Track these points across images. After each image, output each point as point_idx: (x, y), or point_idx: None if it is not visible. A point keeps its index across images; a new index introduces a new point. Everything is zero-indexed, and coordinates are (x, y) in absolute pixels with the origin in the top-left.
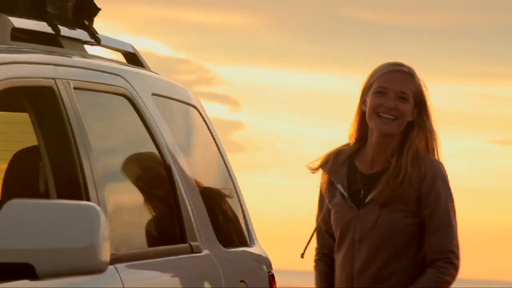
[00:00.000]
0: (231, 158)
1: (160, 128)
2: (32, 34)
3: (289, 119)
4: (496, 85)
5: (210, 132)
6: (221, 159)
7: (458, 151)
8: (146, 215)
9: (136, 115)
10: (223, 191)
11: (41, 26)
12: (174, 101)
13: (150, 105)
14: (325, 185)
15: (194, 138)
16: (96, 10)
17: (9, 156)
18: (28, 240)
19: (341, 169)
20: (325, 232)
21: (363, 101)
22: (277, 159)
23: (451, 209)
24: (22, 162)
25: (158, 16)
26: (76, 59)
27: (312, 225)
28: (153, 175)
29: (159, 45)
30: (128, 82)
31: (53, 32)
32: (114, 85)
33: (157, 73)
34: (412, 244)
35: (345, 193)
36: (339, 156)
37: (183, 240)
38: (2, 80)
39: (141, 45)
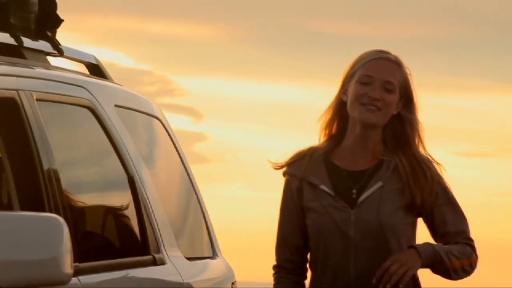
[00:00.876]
0: (194, 169)
1: (123, 139)
2: None
3: (252, 130)
4: (462, 97)
5: (173, 143)
6: (184, 170)
7: None
8: (109, 227)
9: (99, 126)
10: (186, 202)
11: (4, 37)
12: (137, 113)
13: (113, 116)
14: (296, 191)
15: (157, 150)
16: (59, 21)
17: None
18: None
19: (319, 168)
20: (292, 246)
21: (343, 91)
22: (240, 170)
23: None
24: None
25: (121, 27)
26: (39, 71)
27: (272, 237)
28: (116, 187)
29: (121, 56)
30: (91, 94)
31: (16, 44)
32: (77, 97)
33: (120, 85)
34: (401, 244)
35: (332, 193)
36: (313, 155)
37: (146, 252)
38: None
39: (104, 56)
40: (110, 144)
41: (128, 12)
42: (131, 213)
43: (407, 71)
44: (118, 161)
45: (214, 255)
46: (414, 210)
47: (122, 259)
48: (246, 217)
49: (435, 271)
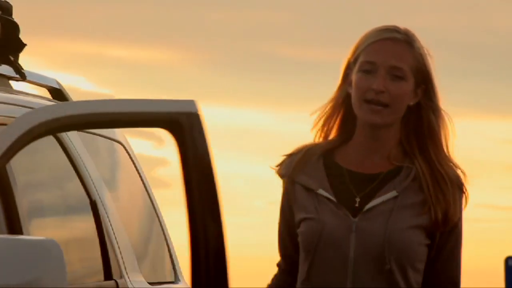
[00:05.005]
0: (155, 194)
1: (85, 163)
2: None
3: (214, 155)
4: None
5: (136, 167)
6: (146, 195)
7: None
8: (71, 252)
9: (61, 150)
10: (148, 227)
11: None
12: (99, 137)
13: (75, 140)
14: (287, 194)
15: (119, 174)
16: (21, 45)
17: None
18: None
19: (316, 169)
20: (290, 244)
21: (349, 82)
22: None
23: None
24: None
25: (81, 51)
26: (1, 95)
27: (238, 261)
28: (78, 211)
29: (82, 80)
30: None
31: None
32: None
33: None
34: (418, 269)
35: (332, 198)
36: (308, 154)
37: (109, 277)
38: None
39: (65, 81)
40: (72, 168)
41: (88, 37)
42: (93, 237)
43: (423, 50)
44: (80, 185)
45: (176, 280)
46: (433, 230)
47: (85, 284)
48: None
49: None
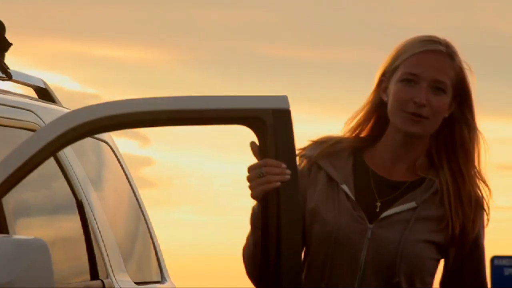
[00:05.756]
0: (141, 194)
1: (71, 163)
2: None
3: (199, 155)
4: None
5: (122, 167)
6: (132, 194)
7: None
8: (57, 251)
9: None
10: (135, 226)
11: None
12: None
13: None
14: (313, 177)
15: (105, 173)
16: (7, 45)
17: None
18: None
19: (344, 163)
20: None
21: (383, 88)
22: (187, 195)
23: (483, 254)
24: None
25: (66, 51)
26: None
27: (224, 261)
28: (64, 210)
29: (67, 79)
30: (39, 117)
31: None
32: (26, 121)
33: (69, 108)
34: (426, 282)
35: (352, 197)
36: (337, 146)
37: (95, 277)
38: None
39: (50, 80)
40: (58, 168)
41: (73, 35)
42: (79, 237)
43: (464, 64)
44: (66, 184)
45: (162, 279)
46: (448, 245)
47: (71, 284)
48: (194, 241)
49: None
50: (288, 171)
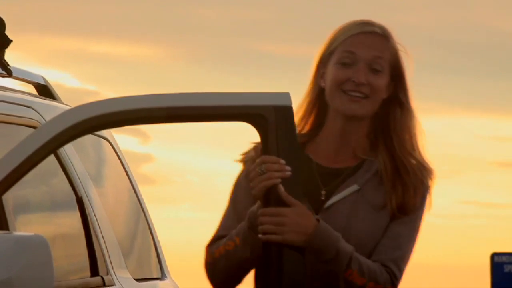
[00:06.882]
0: (141, 190)
1: (71, 160)
2: None
3: (199, 152)
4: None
5: (122, 164)
6: (132, 191)
7: None
8: (57, 248)
9: None
10: (134, 223)
11: None
12: None
13: None
14: (247, 178)
15: (105, 170)
16: (7, 41)
17: None
18: None
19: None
20: None
21: (320, 74)
22: (187, 192)
23: (416, 232)
24: None
25: (65, 48)
26: None
27: None
28: (65, 207)
29: (67, 76)
30: (40, 114)
31: None
32: (26, 117)
33: (69, 105)
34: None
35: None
36: None
37: (95, 273)
38: None
39: (50, 77)
40: (58, 164)
41: (73, 32)
42: (79, 233)
43: (398, 46)
44: (66, 181)
45: (162, 276)
46: (391, 220)
47: (71, 280)
48: (194, 238)
49: (320, 264)
50: (288, 168)
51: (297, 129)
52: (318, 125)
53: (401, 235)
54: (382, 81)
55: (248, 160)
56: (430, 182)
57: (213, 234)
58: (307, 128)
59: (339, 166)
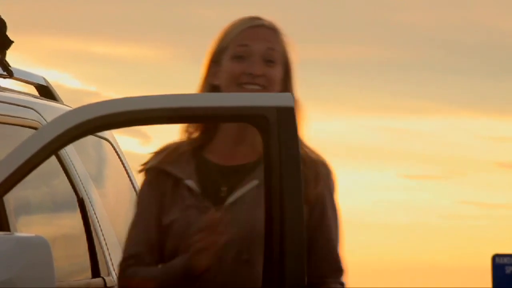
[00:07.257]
0: None
1: (73, 161)
2: None
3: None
4: (410, 119)
5: (123, 165)
6: (134, 192)
7: (367, 185)
8: (58, 249)
9: None
10: None
11: None
12: None
13: None
14: (161, 185)
15: (107, 171)
16: (9, 42)
17: None
18: None
19: (185, 162)
20: (146, 242)
21: (212, 73)
22: None
23: (335, 222)
24: None
25: (66, 48)
26: None
27: None
28: (66, 208)
29: (68, 77)
30: (41, 115)
31: None
32: (26, 118)
33: (70, 106)
34: None
35: (197, 189)
36: (178, 150)
37: (96, 274)
38: None
39: (51, 77)
40: (59, 165)
41: (74, 33)
42: (80, 234)
43: (286, 39)
44: (67, 182)
45: None
46: None
47: (72, 282)
48: None
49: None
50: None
51: (189, 135)
52: (211, 127)
53: (329, 240)
54: (277, 72)
55: (149, 169)
56: (326, 171)
57: (124, 251)
58: (197, 132)
59: (239, 163)
